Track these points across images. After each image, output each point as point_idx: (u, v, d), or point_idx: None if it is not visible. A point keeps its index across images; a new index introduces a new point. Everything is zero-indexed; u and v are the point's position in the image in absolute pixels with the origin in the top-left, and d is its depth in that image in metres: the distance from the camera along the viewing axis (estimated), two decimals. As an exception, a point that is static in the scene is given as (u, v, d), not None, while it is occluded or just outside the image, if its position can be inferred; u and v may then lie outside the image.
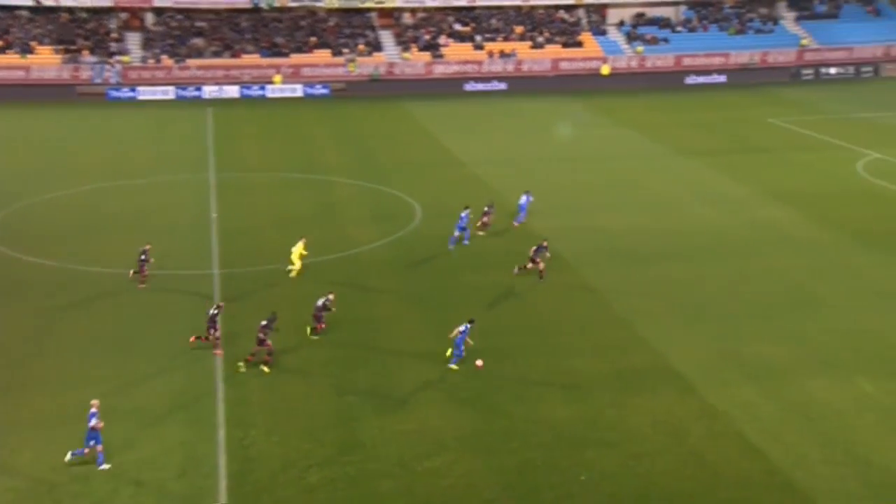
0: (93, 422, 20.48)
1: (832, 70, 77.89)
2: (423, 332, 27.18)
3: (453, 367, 24.79)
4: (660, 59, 76.42)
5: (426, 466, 20.60)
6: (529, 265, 31.17)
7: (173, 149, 51.51)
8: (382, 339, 26.87)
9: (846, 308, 28.69)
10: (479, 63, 74.48)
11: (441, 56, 75.00)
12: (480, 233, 35.85)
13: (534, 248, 31.31)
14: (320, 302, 26.93)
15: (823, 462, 20.47)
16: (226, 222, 37.48)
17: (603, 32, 79.44)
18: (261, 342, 24.78)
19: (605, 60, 75.56)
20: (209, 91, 68.49)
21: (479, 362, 24.72)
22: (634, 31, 79.75)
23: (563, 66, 75.18)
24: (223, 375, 24.45)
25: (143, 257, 30.53)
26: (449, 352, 25.11)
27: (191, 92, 68.17)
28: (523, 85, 73.15)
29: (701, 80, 75.51)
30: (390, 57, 75.00)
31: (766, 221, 37.61)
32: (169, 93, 67.44)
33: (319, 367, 25.02)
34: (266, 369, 24.71)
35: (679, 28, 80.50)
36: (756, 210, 39.26)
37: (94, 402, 20.93)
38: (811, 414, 22.33)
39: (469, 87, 73.27)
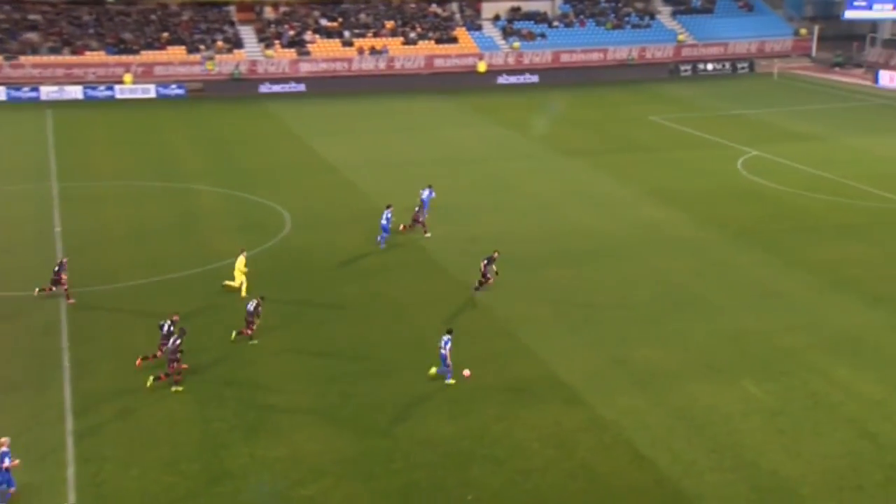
0: (6, 462, 19.59)
1: (709, 66, 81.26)
2: (294, 350, 26.76)
3: (450, 381, 24.78)
4: (537, 55, 78.01)
5: (302, 494, 20.26)
6: (483, 281, 30.81)
7: (8, 156, 49.26)
8: (250, 358, 26.35)
9: (730, 309, 29.84)
10: (349, 61, 74.24)
11: (308, 53, 74.36)
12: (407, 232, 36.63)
13: (484, 261, 31.06)
14: (251, 306, 27.14)
15: (712, 469, 21.18)
16: (72, 237, 36.06)
17: (478, 28, 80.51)
18: (173, 360, 24.41)
19: (480, 57, 76.57)
20: (48, 92, 65.85)
21: (466, 372, 24.90)
22: (510, 26, 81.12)
23: (438, 63, 75.79)
24: (71, 405, 23.45)
25: (57, 269, 30.02)
26: (433, 370, 25.04)
27: (26, 93, 65.44)
28: (396, 83, 73.33)
29: (581, 76, 77.43)
30: (252, 54, 73.86)
31: (649, 222, 38.79)
32: (-1, 93, 64.73)
33: (182, 391, 24.31)
34: (179, 388, 24.40)
35: (556, 23, 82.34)
36: (639, 210, 40.44)
37: (4, 439, 19.96)
38: (699, 419, 23.10)
39: (338, 85, 72.95)
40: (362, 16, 79.21)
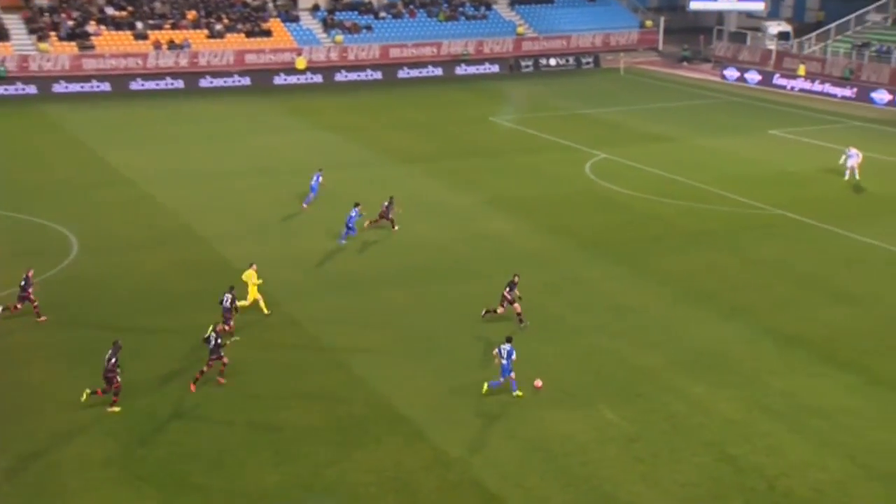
0: None
1: (552, 61, 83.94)
2: (82, 393, 25.82)
3: (517, 393, 25.91)
4: (363, 49, 78.47)
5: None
6: (501, 309, 30.53)
7: None
8: (30, 408, 25.27)
9: (582, 327, 30.77)
10: (144, 56, 72.43)
11: (92, 47, 71.99)
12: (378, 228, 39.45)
13: (507, 286, 30.72)
14: (227, 302, 29.14)
15: None
16: None
17: (295, 19, 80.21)
18: (110, 380, 25.07)
19: (299, 52, 76.33)
20: None
21: (538, 382, 26.34)
22: (331, 17, 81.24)
23: (250, 59, 75.03)
24: None
25: (23, 283, 30.27)
26: (485, 388, 25.98)
27: None
28: (201, 83, 72.08)
29: (414, 73, 78.40)
30: (22, 48, 70.82)
31: (493, 234, 39.59)
32: None
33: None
34: (116, 409, 24.86)
35: (382, 14, 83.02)
36: (482, 221, 41.21)
37: None
38: (553, 451, 23.64)
39: (136, 85, 71.09)
40: (157, 4, 77.42)
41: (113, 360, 25.05)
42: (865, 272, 35.86)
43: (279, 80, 74.33)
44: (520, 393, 25.94)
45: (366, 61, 78.20)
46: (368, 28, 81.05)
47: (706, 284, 34.45)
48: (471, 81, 77.69)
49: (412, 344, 29.39)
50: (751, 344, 29.73)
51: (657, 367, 28.06)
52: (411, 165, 50.78)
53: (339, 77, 76.41)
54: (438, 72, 79.02)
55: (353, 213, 37.71)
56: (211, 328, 27.45)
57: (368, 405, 25.61)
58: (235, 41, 75.92)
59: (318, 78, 75.71)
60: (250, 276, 31.50)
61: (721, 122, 62.82)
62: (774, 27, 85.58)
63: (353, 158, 52.16)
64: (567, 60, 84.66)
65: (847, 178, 47.75)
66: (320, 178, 42.11)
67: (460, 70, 79.98)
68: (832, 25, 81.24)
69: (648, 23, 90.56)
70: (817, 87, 73.45)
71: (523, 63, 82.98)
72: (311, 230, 39.80)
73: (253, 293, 31.35)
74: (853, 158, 47.88)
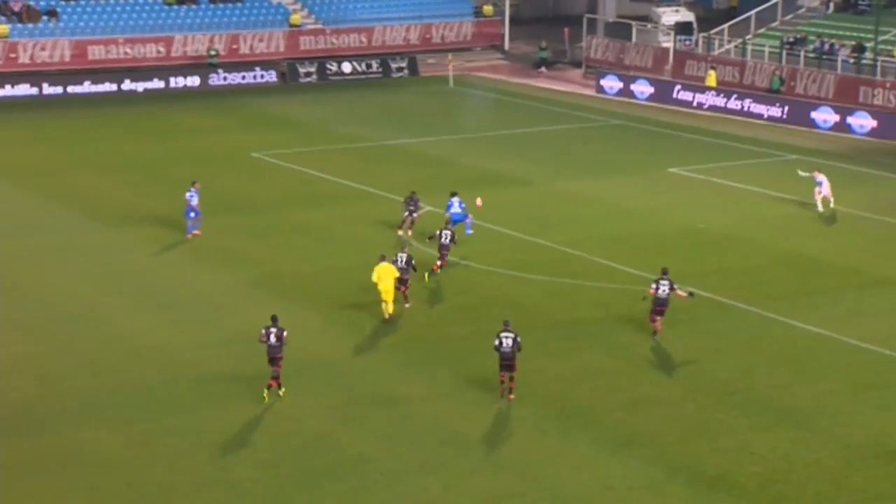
0: None
1: (346, 66, 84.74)
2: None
3: None
4: (44, 47, 76.79)
5: None
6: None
7: None
8: None
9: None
10: None
11: None
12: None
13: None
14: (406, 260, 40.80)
15: None
16: None
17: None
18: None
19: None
20: None
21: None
22: (1, -1, 79.54)
23: None
24: None
25: None
26: None
27: None
28: None
29: (133, 86, 77.57)
30: None
31: (253, 332, 39.09)
32: None
33: None
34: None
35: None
36: (242, 316, 40.71)
37: None
38: None
39: None
40: None
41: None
42: (812, 376, 36.86)
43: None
44: None
45: (50, 66, 76.66)
46: (52, 15, 79.44)
47: (583, 400, 34.71)
48: (223, 97, 77.25)
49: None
50: (655, 490, 30.04)
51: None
52: (125, 229, 50.17)
53: (5, 92, 74.56)
54: (164, 83, 78.16)
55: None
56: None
57: None
58: None
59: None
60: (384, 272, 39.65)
61: (599, 157, 64.18)
62: (670, 15, 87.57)
63: (30, 219, 51.11)
64: (369, 66, 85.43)
65: (821, 210, 52.43)
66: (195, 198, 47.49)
67: (211, 79, 79.46)
68: (751, 13, 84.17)
69: (488, 9, 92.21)
70: (734, 103, 76.13)
71: (302, 69, 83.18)
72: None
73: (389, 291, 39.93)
74: (823, 186, 52.20)
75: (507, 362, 34.05)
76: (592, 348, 38.66)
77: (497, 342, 34.09)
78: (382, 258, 39.85)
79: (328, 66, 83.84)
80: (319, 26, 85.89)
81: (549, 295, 43.27)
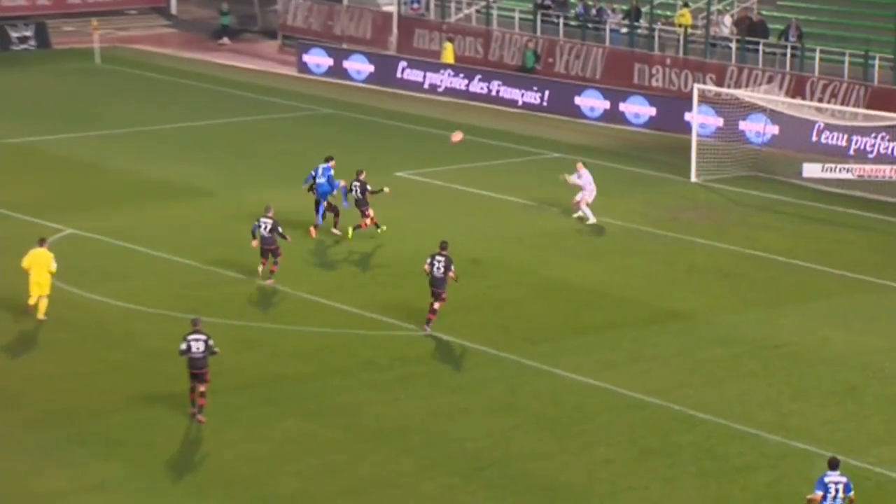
0: None
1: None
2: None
3: None
4: None
5: None
6: None
7: None
8: None
9: None
10: None
11: None
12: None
13: None
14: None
15: None
16: None
17: None
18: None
19: None
20: None
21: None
22: None
23: None
24: None
25: None
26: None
27: None
28: None
29: None
30: None
31: None
32: None
33: None
34: None
35: None
36: None
37: None
38: None
39: None
40: None
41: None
42: (584, 442, 37.36)
43: None
44: None
45: None
46: None
47: (287, 489, 34.37)
48: None
49: None
50: None
51: None
52: None
53: None
54: None
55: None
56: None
57: None
58: None
59: None
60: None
61: (299, 158, 64.05)
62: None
63: None
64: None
65: (591, 219, 54.18)
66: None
67: None
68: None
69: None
70: (479, 86, 77.48)
71: None
72: None
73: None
74: (586, 186, 53.87)
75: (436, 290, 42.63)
76: (297, 414, 38.51)
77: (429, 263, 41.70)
78: (42, 242, 39.54)
79: None
80: None
81: (241, 345, 42.90)
